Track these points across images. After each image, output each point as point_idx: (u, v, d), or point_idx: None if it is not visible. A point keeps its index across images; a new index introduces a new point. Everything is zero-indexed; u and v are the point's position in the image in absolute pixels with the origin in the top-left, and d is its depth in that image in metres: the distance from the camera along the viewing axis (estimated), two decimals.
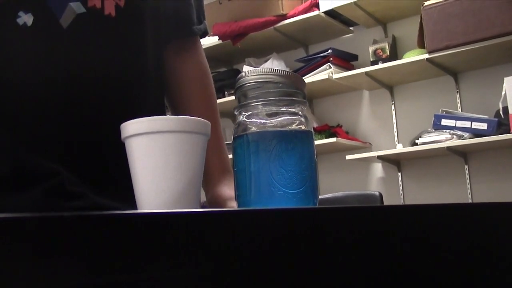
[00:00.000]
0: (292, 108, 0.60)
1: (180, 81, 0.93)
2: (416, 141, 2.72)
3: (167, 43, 0.90)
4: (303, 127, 0.60)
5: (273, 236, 0.35)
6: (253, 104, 0.59)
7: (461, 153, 2.79)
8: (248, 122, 0.59)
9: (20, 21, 0.72)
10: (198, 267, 0.32)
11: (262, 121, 0.59)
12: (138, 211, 0.50)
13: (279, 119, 0.59)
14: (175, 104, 0.94)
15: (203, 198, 0.86)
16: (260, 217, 0.36)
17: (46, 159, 0.71)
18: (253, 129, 0.59)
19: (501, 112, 2.50)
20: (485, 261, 0.49)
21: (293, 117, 0.59)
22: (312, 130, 0.62)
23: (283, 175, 0.57)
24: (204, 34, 0.97)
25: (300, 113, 0.60)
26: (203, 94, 0.95)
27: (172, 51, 0.92)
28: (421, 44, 2.72)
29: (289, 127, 0.59)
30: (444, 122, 2.64)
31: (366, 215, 0.41)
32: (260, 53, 3.32)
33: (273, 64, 3.15)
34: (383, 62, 2.85)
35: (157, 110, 0.82)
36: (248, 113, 0.60)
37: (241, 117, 0.60)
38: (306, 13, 3.03)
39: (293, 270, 0.36)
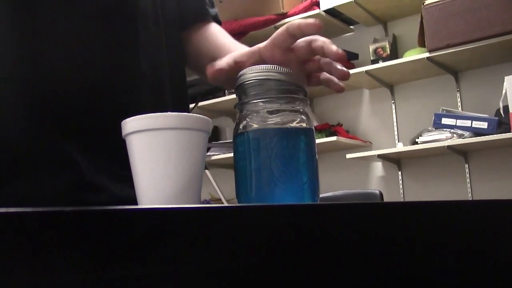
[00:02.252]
0: (293, 106, 0.60)
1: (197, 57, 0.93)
2: (417, 140, 2.72)
3: (183, 30, 0.92)
4: (304, 125, 0.60)
5: (274, 232, 0.35)
6: (253, 101, 0.59)
7: (462, 152, 2.79)
8: (249, 120, 0.59)
9: None
10: (198, 263, 0.32)
11: (263, 118, 0.59)
12: (139, 206, 0.50)
13: (280, 116, 0.59)
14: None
15: (203, 196, 0.86)
16: (261, 213, 0.36)
17: (63, 149, 0.72)
18: (254, 126, 0.59)
19: (501, 111, 2.50)
20: (485, 257, 0.49)
21: (294, 115, 0.59)
22: (313, 127, 0.62)
23: (284, 172, 0.57)
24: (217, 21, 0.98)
25: (301, 110, 0.60)
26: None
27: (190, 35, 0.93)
28: (422, 43, 2.72)
29: (290, 125, 0.59)
30: (445, 121, 2.64)
31: (367, 211, 0.41)
32: None
33: None
34: (383, 61, 2.85)
35: (158, 108, 0.82)
36: (249, 111, 0.59)
37: (242, 114, 0.60)
38: (306, 11, 3.02)
39: (293, 266, 0.36)
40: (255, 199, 0.57)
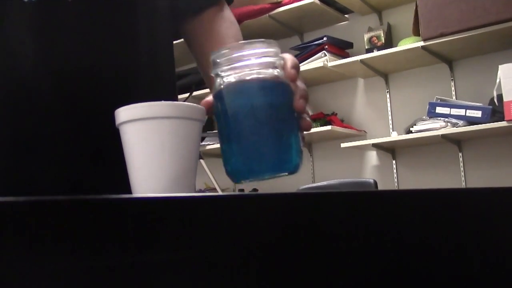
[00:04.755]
0: (269, 62, 0.59)
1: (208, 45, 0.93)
2: (411, 129, 2.73)
3: (194, 15, 0.92)
4: (279, 78, 0.60)
5: (269, 221, 0.35)
6: (229, 65, 0.59)
7: (456, 141, 2.80)
8: (225, 78, 0.59)
9: None
10: (192, 252, 0.32)
11: (239, 76, 0.59)
12: (134, 195, 0.50)
13: (255, 71, 0.59)
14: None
15: (198, 185, 0.85)
16: (255, 202, 0.36)
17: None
18: (231, 83, 0.59)
19: (495, 100, 2.50)
20: (478, 245, 0.49)
21: (269, 70, 0.59)
22: (288, 82, 0.61)
23: (263, 127, 0.57)
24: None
25: (276, 66, 0.60)
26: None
27: (202, 19, 0.94)
28: (416, 32, 2.72)
29: (265, 79, 0.59)
30: (439, 110, 2.64)
31: (361, 200, 0.41)
32: None
33: None
34: (378, 50, 2.84)
35: (150, 97, 0.82)
36: (225, 72, 0.59)
37: (218, 78, 0.60)
38: (301, 0, 3.01)
39: (289, 254, 0.36)
40: (236, 157, 0.58)
